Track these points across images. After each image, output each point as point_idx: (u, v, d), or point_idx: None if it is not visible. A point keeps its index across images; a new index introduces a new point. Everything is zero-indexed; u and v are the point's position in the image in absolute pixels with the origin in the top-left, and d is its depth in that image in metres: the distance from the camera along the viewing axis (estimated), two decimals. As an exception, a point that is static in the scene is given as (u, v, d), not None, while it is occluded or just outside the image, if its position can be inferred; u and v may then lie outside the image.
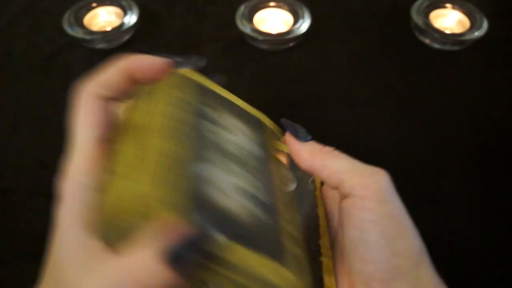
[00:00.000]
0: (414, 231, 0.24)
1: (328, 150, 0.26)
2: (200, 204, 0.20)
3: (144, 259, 0.19)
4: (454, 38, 0.54)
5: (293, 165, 0.28)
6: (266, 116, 0.31)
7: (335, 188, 0.25)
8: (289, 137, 0.27)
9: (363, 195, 0.23)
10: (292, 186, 0.30)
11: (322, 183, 0.31)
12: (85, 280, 0.20)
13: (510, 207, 0.42)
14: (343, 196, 0.24)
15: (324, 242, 0.27)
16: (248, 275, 0.20)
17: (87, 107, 0.23)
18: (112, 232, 0.20)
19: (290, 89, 0.52)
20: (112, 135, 0.23)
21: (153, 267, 0.19)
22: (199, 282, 0.21)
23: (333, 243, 0.28)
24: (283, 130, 0.28)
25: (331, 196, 0.30)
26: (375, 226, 0.23)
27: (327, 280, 0.25)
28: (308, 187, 0.31)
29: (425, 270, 0.24)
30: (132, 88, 0.25)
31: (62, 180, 0.22)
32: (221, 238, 0.19)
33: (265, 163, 0.27)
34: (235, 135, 0.26)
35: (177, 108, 0.24)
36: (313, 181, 0.31)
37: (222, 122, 0.26)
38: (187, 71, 0.27)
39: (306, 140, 0.27)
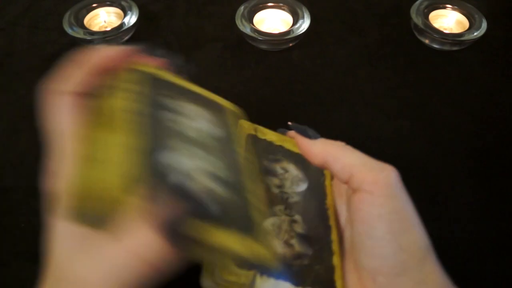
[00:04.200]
0: (420, 227, 0.25)
1: (339, 144, 0.27)
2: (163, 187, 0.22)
3: (146, 237, 0.20)
4: (453, 38, 0.54)
5: (303, 165, 0.28)
6: (226, 100, 0.32)
7: (345, 182, 0.25)
8: (298, 137, 0.28)
9: (372, 190, 0.24)
10: (303, 186, 0.31)
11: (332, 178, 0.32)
12: (88, 265, 0.21)
13: (510, 207, 0.43)
14: (353, 191, 0.25)
15: (334, 236, 0.28)
16: (218, 250, 0.22)
17: (67, 106, 0.24)
18: (88, 218, 0.21)
19: (290, 89, 0.52)
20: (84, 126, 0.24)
21: (154, 244, 0.20)
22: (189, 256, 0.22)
23: (342, 239, 0.28)
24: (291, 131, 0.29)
25: (340, 194, 0.30)
26: (382, 221, 0.23)
27: (338, 283, 0.26)
28: (320, 183, 0.31)
29: (430, 265, 0.24)
30: (99, 79, 0.26)
31: (56, 179, 0.23)
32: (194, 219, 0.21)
33: (228, 143, 0.28)
34: (195, 121, 0.28)
35: (136, 101, 0.25)
36: (324, 177, 0.32)
37: (182, 110, 0.27)
38: (145, 66, 0.28)
39: (316, 138, 0.27)
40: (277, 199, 0.28)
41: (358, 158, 0.25)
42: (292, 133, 0.29)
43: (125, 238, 0.21)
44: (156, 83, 0.28)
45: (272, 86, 0.52)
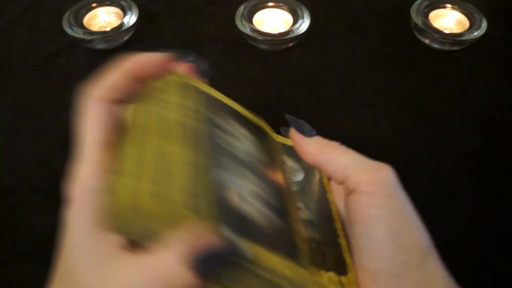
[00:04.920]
0: (420, 226, 0.24)
1: (334, 144, 0.26)
2: (226, 213, 0.21)
3: (169, 260, 0.19)
4: (453, 38, 0.54)
5: (297, 157, 0.29)
6: (263, 120, 0.32)
7: (341, 183, 0.25)
8: (294, 133, 0.28)
9: (369, 191, 0.23)
10: (300, 176, 0.30)
11: None
12: (102, 277, 0.20)
13: (510, 207, 0.42)
14: (349, 192, 0.25)
15: (338, 225, 0.28)
16: (271, 272, 0.21)
17: (94, 111, 0.23)
18: (128, 232, 0.21)
19: (290, 89, 0.52)
20: (118, 137, 0.23)
21: (177, 269, 0.19)
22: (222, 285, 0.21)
23: (345, 231, 0.28)
24: (288, 125, 0.28)
25: (336, 190, 0.30)
26: (381, 222, 0.23)
27: (348, 259, 0.26)
28: (315, 175, 0.31)
29: (432, 265, 0.24)
30: (137, 88, 0.25)
31: (71, 183, 0.22)
32: (247, 249, 0.20)
33: (270, 167, 0.28)
34: (242, 142, 0.28)
35: (188, 117, 0.25)
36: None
37: (230, 129, 0.27)
38: (188, 77, 0.28)
39: (311, 135, 0.27)
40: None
41: (353, 159, 0.25)
42: (292, 132, 0.28)
43: (150, 255, 0.20)
44: (206, 99, 0.28)
45: (272, 86, 0.52)
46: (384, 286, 0.23)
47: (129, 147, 0.23)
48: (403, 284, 0.23)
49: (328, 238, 0.26)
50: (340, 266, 0.25)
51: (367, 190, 0.24)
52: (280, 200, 0.26)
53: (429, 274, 0.23)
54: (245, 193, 0.24)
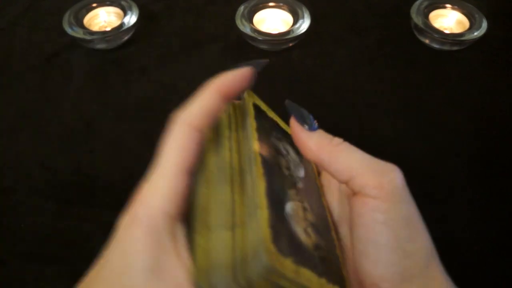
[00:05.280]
0: (425, 231, 0.23)
1: (337, 142, 0.25)
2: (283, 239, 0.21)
3: None
4: (453, 38, 0.54)
5: (297, 149, 0.27)
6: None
7: (344, 183, 0.24)
8: (295, 124, 0.26)
9: (376, 195, 0.22)
10: (301, 172, 0.28)
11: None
12: None
13: (510, 207, 0.42)
14: (353, 193, 0.23)
15: (334, 234, 0.26)
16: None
17: (177, 135, 0.23)
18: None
19: (290, 89, 0.52)
20: (195, 167, 0.23)
21: None
22: None
23: (338, 236, 0.27)
24: (288, 113, 0.26)
25: (330, 189, 0.29)
26: (387, 227, 0.22)
27: (344, 273, 0.25)
28: (312, 174, 0.29)
29: (435, 270, 0.23)
30: (223, 106, 0.25)
31: (140, 200, 0.22)
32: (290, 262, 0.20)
33: (319, 195, 0.27)
34: (295, 165, 0.27)
35: (264, 149, 0.24)
36: (312, 165, 0.30)
37: (286, 154, 0.26)
38: (251, 97, 0.27)
39: (313, 129, 0.25)
40: (289, 182, 0.25)
41: (359, 158, 0.24)
42: (292, 122, 0.26)
43: None
44: (271, 122, 0.27)
45: (272, 86, 0.52)
46: None
47: (210, 189, 0.22)
48: None
49: (329, 247, 0.25)
50: (341, 280, 0.24)
51: (373, 193, 0.22)
52: (328, 229, 0.25)
53: (432, 279, 0.23)
54: (302, 220, 0.23)
